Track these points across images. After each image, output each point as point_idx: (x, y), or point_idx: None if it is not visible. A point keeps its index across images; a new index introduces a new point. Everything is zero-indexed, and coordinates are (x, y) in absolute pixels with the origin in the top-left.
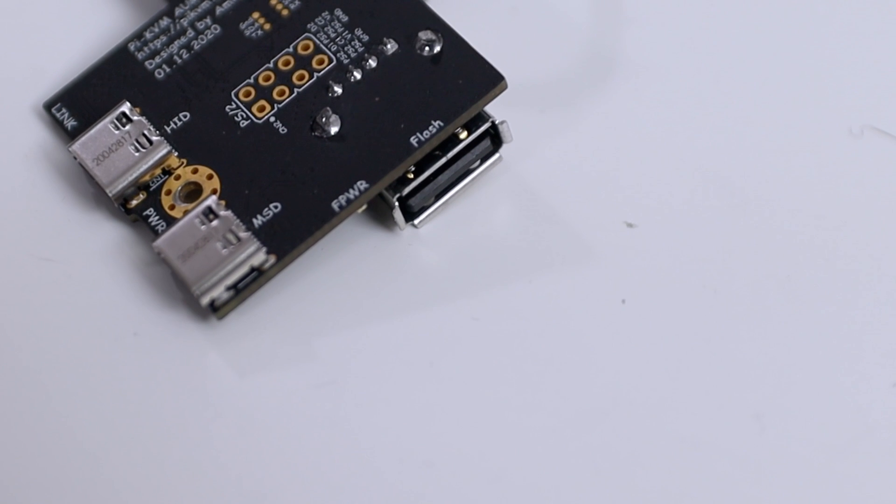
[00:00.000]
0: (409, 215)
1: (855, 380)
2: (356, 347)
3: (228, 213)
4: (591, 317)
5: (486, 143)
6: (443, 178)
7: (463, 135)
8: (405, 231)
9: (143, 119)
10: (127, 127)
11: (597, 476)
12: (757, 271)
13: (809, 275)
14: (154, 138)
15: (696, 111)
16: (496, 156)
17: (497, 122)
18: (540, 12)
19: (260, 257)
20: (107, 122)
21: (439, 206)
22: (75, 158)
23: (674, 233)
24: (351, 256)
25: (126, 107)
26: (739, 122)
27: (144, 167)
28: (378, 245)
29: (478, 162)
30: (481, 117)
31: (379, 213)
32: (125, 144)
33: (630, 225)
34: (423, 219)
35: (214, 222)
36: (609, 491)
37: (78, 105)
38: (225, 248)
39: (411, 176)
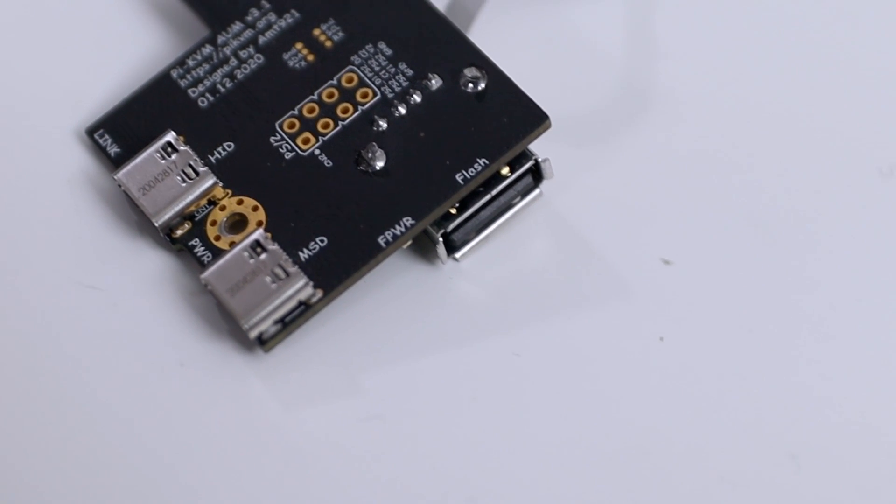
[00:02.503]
0: (450, 248)
1: (892, 419)
2: (401, 381)
3: (276, 247)
4: (630, 354)
5: (528, 179)
6: (484, 214)
7: (506, 171)
8: (446, 264)
9: (188, 149)
10: (173, 157)
11: None
12: (792, 310)
13: (845, 315)
14: (200, 169)
15: (731, 146)
16: (536, 191)
17: (540, 161)
18: (574, 44)
19: (307, 292)
20: (152, 152)
21: (480, 241)
22: (120, 186)
23: (709, 270)
24: (393, 289)
25: (171, 136)
26: (775, 158)
27: (191, 198)
28: (420, 278)
29: (518, 197)
30: (525, 155)
31: (420, 246)
32: (171, 174)
33: (666, 262)
34: (465, 252)
35: (263, 256)
36: None
37: (120, 131)
38: (274, 282)
39: (454, 211)
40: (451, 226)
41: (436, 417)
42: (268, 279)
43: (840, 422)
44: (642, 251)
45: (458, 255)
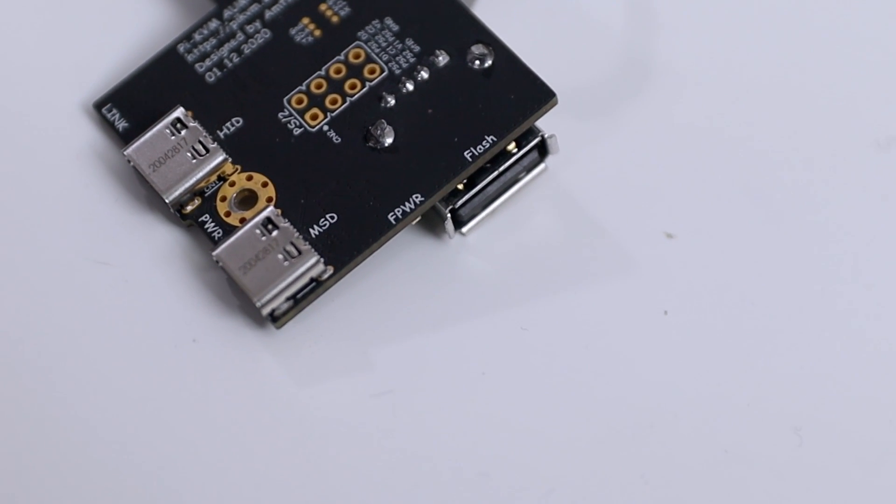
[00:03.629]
0: (457, 223)
1: (893, 392)
2: (411, 356)
3: (287, 224)
4: (635, 328)
5: (534, 154)
6: (491, 189)
7: (513, 148)
8: (453, 239)
9: (198, 125)
10: (182, 133)
11: (643, 486)
12: (795, 283)
13: (847, 287)
14: (210, 145)
15: (733, 119)
16: (542, 166)
17: (546, 137)
18: (575, 16)
19: (319, 269)
20: (162, 128)
21: (486, 215)
22: (129, 162)
23: (712, 244)
24: (401, 264)
25: (181, 112)
26: (776, 131)
27: (201, 174)
28: (427, 252)
29: (524, 172)
30: (531, 131)
31: (426, 220)
32: (181, 151)
33: (670, 235)
34: (471, 227)
35: (274, 233)
36: (651, 499)
37: (128, 105)
38: (285, 259)
39: (461, 187)
40: (460, 202)
41: (446, 392)
42: (280, 256)
43: (842, 395)
44: (645, 225)
45: (464, 229)
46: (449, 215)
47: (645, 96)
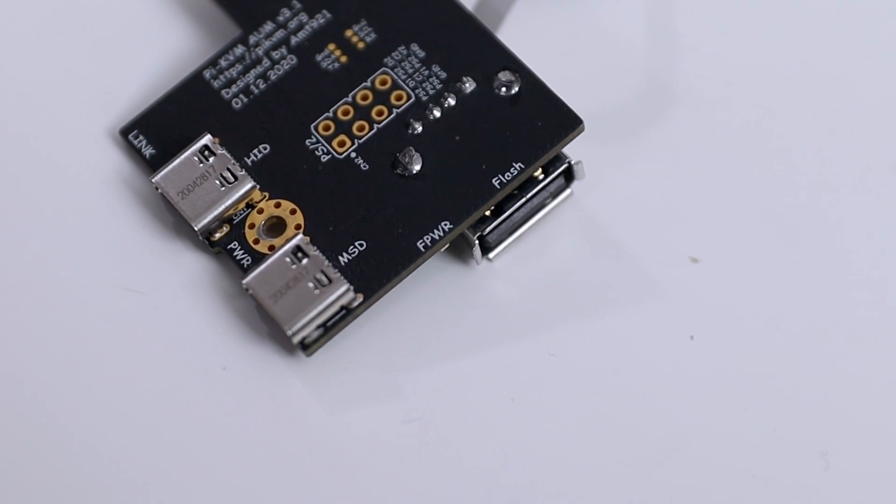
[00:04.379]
0: (484, 249)
1: None
2: (440, 382)
3: (317, 252)
4: (662, 353)
5: (560, 180)
6: (517, 215)
7: (539, 175)
8: (480, 264)
9: (226, 153)
10: (210, 160)
11: None
12: (821, 306)
13: (873, 311)
14: (238, 173)
15: (756, 141)
16: (568, 191)
17: (573, 163)
18: (598, 40)
19: (349, 297)
20: (190, 155)
21: (512, 241)
22: (158, 189)
23: (737, 267)
24: (428, 290)
25: (208, 139)
26: (802, 155)
27: (230, 202)
28: (454, 278)
29: (550, 198)
30: (558, 158)
31: (453, 246)
32: (210, 178)
33: (695, 260)
34: (498, 252)
35: (304, 261)
36: None
37: (155, 132)
38: (316, 288)
39: (489, 214)
40: (488, 229)
41: (476, 418)
42: (310, 285)
43: (869, 419)
44: (670, 249)
45: (491, 255)
46: (477, 242)
47: (668, 119)
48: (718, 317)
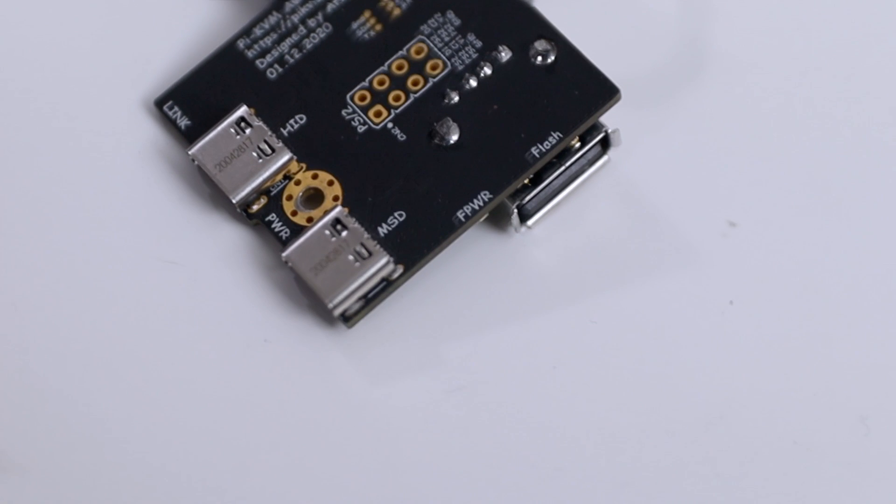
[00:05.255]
0: (522, 217)
1: None
2: (482, 351)
3: (357, 224)
4: (702, 318)
5: (597, 147)
6: (555, 183)
7: (577, 143)
8: (519, 232)
9: (262, 124)
10: (247, 132)
11: (714, 478)
12: (859, 270)
13: None
14: (276, 145)
15: (793, 104)
16: (605, 158)
17: (610, 132)
18: (629, 3)
19: (389, 269)
20: (226, 127)
21: (550, 208)
22: (194, 161)
23: (775, 232)
24: (468, 259)
25: (244, 111)
26: (838, 118)
27: (267, 174)
28: (493, 247)
29: (587, 165)
30: (595, 126)
31: (491, 214)
32: (247, 150)
33: (733, 224)
34: (536, 220)
35: (344, 234)
36: (722, 490)
37: (189, 103)
38: (356, 261)
39: (527, 183)
40: (527, 198)
41: (519, 387)
42: (350, 257)
43: None
44: (707, 214)
45: (529, 222)
46: (515, 211)
47: (703, 83)
48: (757, 281)
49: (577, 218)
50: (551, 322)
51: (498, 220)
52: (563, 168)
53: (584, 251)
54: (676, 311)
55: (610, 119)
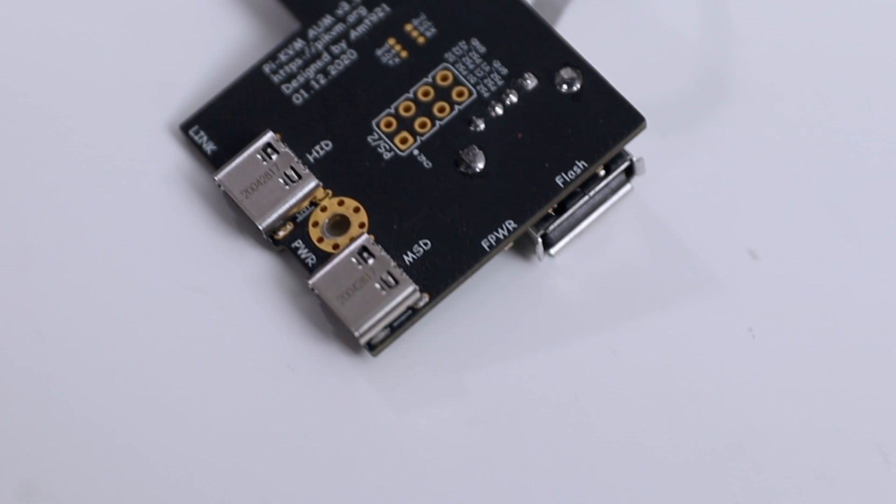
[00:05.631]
0: (545, 244)
1: None
2: (505, 381)
3: (383, 252)
4: (721, 348)
5: (621, 175)
6: (579, 212)
7: (601, 171)
8: (542, 261)
9: (289, 151)
10: (274, 158)
11: None
12: (880, 301)
13: None
14: (303, 171)
15: (815, 133)
16: (628, 187)
17: (635, 160)
18: (651, 30)
19: (415, 297)
20: (253, 153)
21: (574, 236)
22: (221, 187)
23: (795, 262)
24: (491, 287)
25: (271, 136)
26: (861, 147)
27: (294, 200)
28: (516, 275)
29: (611, 193)
30: (620, 155)
31: (514, 241)
32: (273, 176)
33: (753, 253)
34: (559, 248)
35: (370, 262)
36: None
37: (215, 127)
38: (383, 289)
39: (552, 212)
40: (552, 227)
41: (541, 418)
42: (377, 286)
43: None
44: (729, 243)
45: (552, 250)
46: (540, 240)
47: (724, 110)
48: (777, 311)
49: (600, 246)
50: (573, 352)
51: (521, 246)
52: (587, 197)
53: (606, 280)
54: (697, 340)
55: (632, 146)
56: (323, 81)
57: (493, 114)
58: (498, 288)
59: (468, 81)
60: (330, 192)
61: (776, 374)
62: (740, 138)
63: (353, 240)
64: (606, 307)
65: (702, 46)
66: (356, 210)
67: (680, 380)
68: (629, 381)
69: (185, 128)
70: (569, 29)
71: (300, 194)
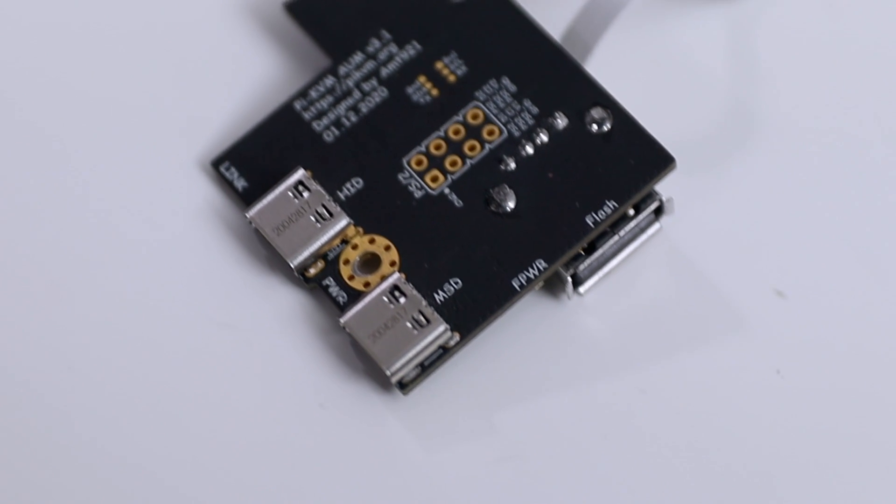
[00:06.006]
0: (574, 283)
1: None
2: (534, 419)
3: (415, 292)
4: (748, 388)
5: (650, 215)
6: (608, 251)
7: (631, 211)
8: (571, 299)
9: (320, 188)
10: (305, 196)
11: None
12: None
13: None
14: (335, 210)
15: (842, 173)
16: (657, 226)
17: (664, 200)
18: (679, 69)
19: (446, 337)
20: (284, 190)
21: (602, 275)
22: (252, 223)
23: (822, 301)
24: (520, 325)
25: (302, 174)
26: (888, 187)
27: (325, 238)
28: (545, 313)
29: (640, 232)
30: (650, 195)
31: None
32: (305, 214)
33: (780, 293)
34: (588, 287)
35: (402, 300)
36: None
37: (246, 164)
38: (414, 328)
39: (581, 251)
40: (582, 267)
41: (570, 456)
42: (408, 325)
43: None
44: (756, 282)
45: (581, 289)
46: (570, 279)
47: (752, 149)
48: (804, 351)
49: (628, 285)
50: (602, 391)
51: (550, 285)
52: (617, 237)
53: (635, 318)
54: (724, 379)
55: (660, 185)
56: (353, 119)
57: (524, 153)
58: (527, 326)
59: (499, 120)
60: (361, 229)
61: (804, 415)
62: (768, 176)
63: (384, 278)
64: (635, 346)
65: (729, 84)
66: (387, 248)
67: (708, 419)
68: (657, 419)
69: (216, 164)
70: (597, 64)
71: (332, 232)
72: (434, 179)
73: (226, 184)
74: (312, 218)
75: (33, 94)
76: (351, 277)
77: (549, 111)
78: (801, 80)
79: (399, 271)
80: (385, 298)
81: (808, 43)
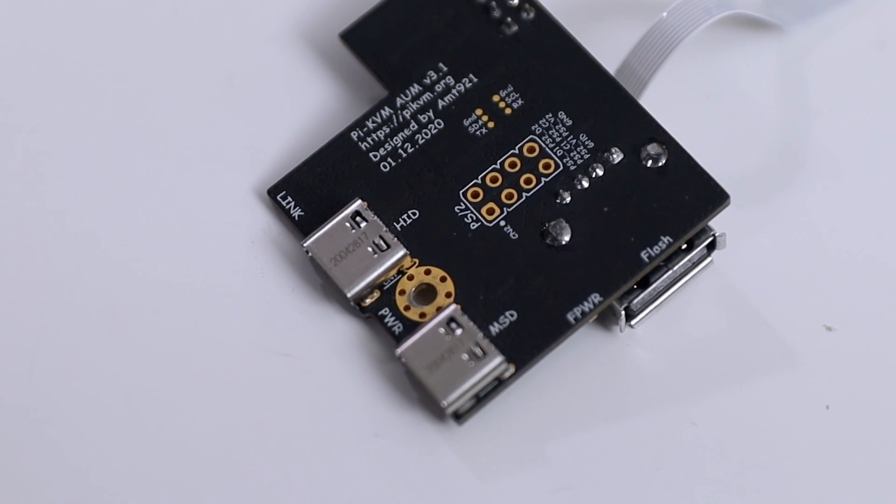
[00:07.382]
0: (627, 316)
1: None
2: (586, 451)
3: (471, 323)
4: (798, 422)
5: (703, 250)
6: (661, 285)
7: (684, 246)
8: (623, 332)
9: (377, 219)
10: (362, 226)
11: None
12: None
13: None
14: (391, 241)
15: (889, 208)
16: (709, 260)
17: (717, 236)
18: (730, 103)
19: (502, 369)
20: (341, 220)
21: (654, 308)
22: (308, 253)
23: (871, 336)
24: (573, 357)
25: (359, 205)
26: None
27: (382, 269)
28: (598, 345)
29: (692, 266)
30: (703, 230)
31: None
32: (362, 245)
33: (829, 328)
34: (640, 320)
35: (458, 332)
36: None
37: (303, 193)
38: (470, 360)
39: (635, 285)
40: (636, 301)
41: (623, 487)
42: (464, 356)
43: None
44: (805, 317)
45: (633, 322)
46: (623, 313)
47: (803, 183)
48: (853, 386)
49: (679, 318)
50: (653, 423)
51: (602, 317)
52: (671, 272)
53: (685, 351)
54: (774, 413)
55: (713, 220)
56: (410, 150)
57: (579, 186)
58: (580, 358)
59: (555, 154)
60: (417, 260)
61: (853, 450)
62: (817, 211)
63: (440, 309)
64: (686, 379)
65: (781, 118)
66: (443, 279)
67: (757, 453)
68: (708, 452)
69: (273, 192)
70: (649, 98)
71: (388, 263)
72: (490, 212)
73: (282, 212)
74: (369, 249)
75: (94, 125)
76: (407, 308)
77: (604, 146)
78: (852, 115)
79: (455, 302)
80: (441, 330)
81: (859, 78)
